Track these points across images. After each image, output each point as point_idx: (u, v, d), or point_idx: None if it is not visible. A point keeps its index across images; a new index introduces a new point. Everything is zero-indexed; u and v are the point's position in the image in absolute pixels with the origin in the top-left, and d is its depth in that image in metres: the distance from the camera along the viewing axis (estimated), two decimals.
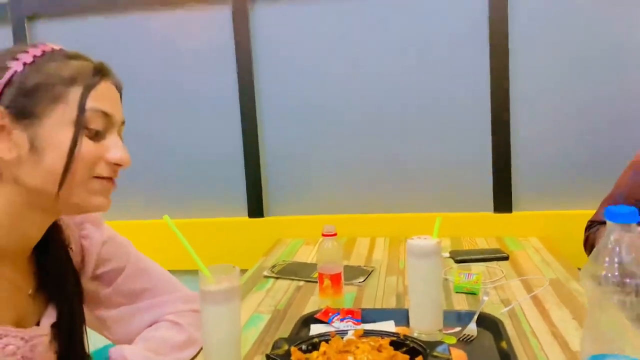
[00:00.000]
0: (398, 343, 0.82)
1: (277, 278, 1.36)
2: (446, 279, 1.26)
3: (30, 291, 0.75)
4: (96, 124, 0.70)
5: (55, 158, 0.67)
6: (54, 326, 0.76)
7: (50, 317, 0.76)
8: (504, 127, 1.69)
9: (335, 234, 1.14)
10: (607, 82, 1.64)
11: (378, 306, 1.14)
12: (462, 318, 1.00)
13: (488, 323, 0.97)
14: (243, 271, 1.14)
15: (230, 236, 1.84)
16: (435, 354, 0.78)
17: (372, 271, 1.36)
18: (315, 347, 0.82)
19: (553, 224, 1.66)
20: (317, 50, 1.78)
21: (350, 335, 0.86)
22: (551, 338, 0.93)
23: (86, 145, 0.68)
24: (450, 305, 1.11)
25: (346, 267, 1.21)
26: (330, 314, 1.02)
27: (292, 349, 0.81)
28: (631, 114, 1.64)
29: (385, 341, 0.82)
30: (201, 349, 0.86)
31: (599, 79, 1.64)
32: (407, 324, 0.97)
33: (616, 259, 0.62)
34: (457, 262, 1.41)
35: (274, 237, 1.79)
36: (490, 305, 1.09)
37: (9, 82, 0.66)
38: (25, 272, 0.75)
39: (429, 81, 1.73)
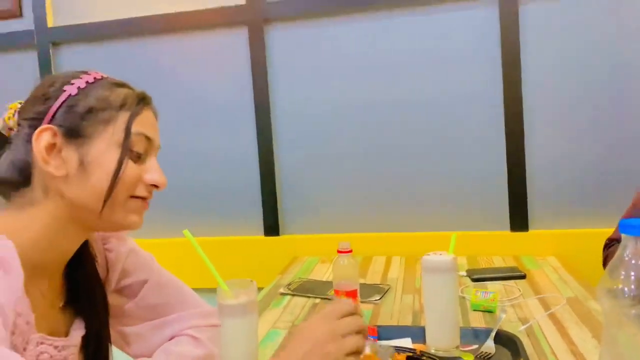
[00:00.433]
0: (414, 359, 0.82)
1: (293, 295, 1.36)
2: (463, 297, 1.25)
3: (61, 304, 0.78)
4: (139, 147, 0.75)
5: (101, 177, 0.71)
6: (83, 338, 0.78)
7: (78, 329, 0.78)
8: (519, 145, 1.69)
9: (350, 251, 1.14)
10: (625, 100, 1.63)
11: (394, 324, 1.14)
12: (479, 335, 1.00)
13: (506, 341, 0.96)
14: (259, 289, 1.15)
15: (246, 254, 1.85)
16: None
17: (388, 289, 1.36)
18: None
19: (570, 243, 1.65)
20: (330, 69, 1.81)
21: (367, 351, 0.86)
22: (570, 356, 0.92)
23: (129, 166, 0.73)
24: (467, 323, 1.10)
25: (362, 285, 1.21)
26: None
27: None
28: None
29: (402, 357, 0.82)
30: None
31: (617, 97, 1.64)
32: (424, 341, 0.97)
33: (632, 272, 0.62)
34: (474, 280, 1.41)
35: (290, 255, 1.80)
36: (507, 323, 1.08)
37: (63, 104, 0.71)
38: (58, 286, 0.78)
39: (443, 100, 1.75)
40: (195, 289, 1.02)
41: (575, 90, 1.66)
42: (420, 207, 1.78)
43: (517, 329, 1.04)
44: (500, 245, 1.69)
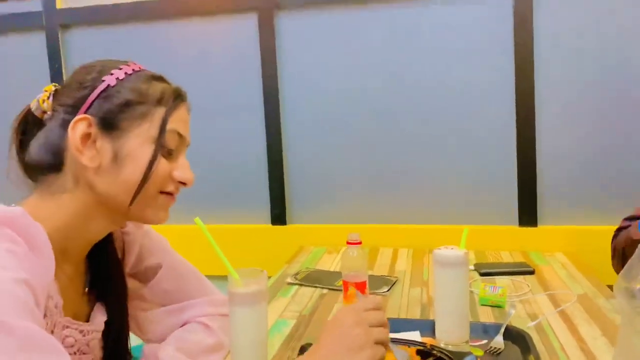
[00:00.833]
0: (425, 352, 0.82)
1: (300, 285, 1.36)
2: (471, 291, 1.24)
3: (85, 290, 0.79)
4: (172, 143, 0.74)
5: (133, 171, 0.71)
6: (106, 324, 0.79)
7: (100, 314, 0.79)
8: (529, 140, 1.67)
9: (360, 242, 1.13)
10: (634, 97, 1.61)
11: (402, 316, 1.14)
12: (488, 330, 0.99)
13: (515, 336, 0.96)
14: None
15: (253, 243, 1.85)
16: None
17: (395, 281, 1.36)
18: None
19: (579, 239, 1.64)
20: (341, 58, 1.79)
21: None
22: (580, 353, 0.92)
23: (161, 162, 0.73)
24: (475, 318, 1.10)
25: (370, 277, 1.20)
26: None
27: None
28: None
29: (412, 350, 0.82)
30: (229, 352, 0.86)
31: (626, 94, 1.62)
32: (433, 334, 0.97)
33: None
34: (482, 274, 1.40)
35: (296, 245, 1.80)
36: (516, 318, 1.07)
37: (100, 94, 0.70)
38: (81, 271, 0.78)
39: (454, 93, 1.73)
40: (205, 276, 1.02)
41: (588, 84, 1.64)
42: (429, 200, 1.77)
43: (525, 325, 1.04)
44: (508, 240, 1.68)
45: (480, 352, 0.92)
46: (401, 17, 1.74)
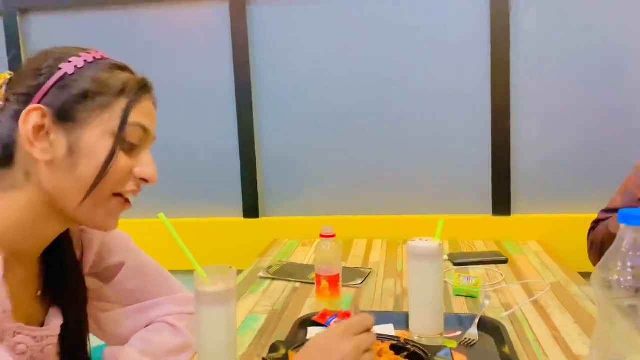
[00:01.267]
0: (398, 347, 0.80)
1: (273, 279, 1.33)
2: (445, 282, 1.24)
3: (38, 292, 0.74)
4: (134, 138, 0.69)
5: (89, 166, 0.65)
6: (62, 327, 0.74)
7: (55, 318, 0.74)
8: (503, 129, 1.67)
9: (333, 235, 1.11)
10: (609, 85, 1.63)
11: (376, 309, 1.12)
12: (462, 322, 0.98)
13: (489, 327, 0.95)
14: (238, 272, 1.11)
15: (224, 236, 1.81)
16: (437, 359, 0.76)
17: (369, 273, 1.34)
18: None
19: (552, 228, 1.65)
20: (315, 48, 1.76)
21: None
22: (553, 342, 0.92)
23: (121, 157, 0.67)
24: (449, 309, 1.09)
25: (343, 269, 1.18)
26: (327, 317, 1.00)
27: (290, 352, 0.78)
28: (632, 117, 1.63)
29: (386, 345, 0.80)
30: (195, 353, 0.83)
31: (601, 82, 1.63)
32: (407, 327, 0.95)
33: (629, 263, 0.60)
34: (456, 264, 1.39)
35: (270, 238, 1.76)
36: (490, 308, 1.07)
37: (56, 83, 0.65)
38: (34, 273, 0.73)
39: (428, 83, 1.71)
40: (172, 272, 0.97)
41: (561, 76, 1.65)
42: (403, 191, 1.76)
43: (499, 315, 1.03)
44: (482, 229, 1.68)
45: (454, 344, 0.91)
46: (378, 10, 1.71)
